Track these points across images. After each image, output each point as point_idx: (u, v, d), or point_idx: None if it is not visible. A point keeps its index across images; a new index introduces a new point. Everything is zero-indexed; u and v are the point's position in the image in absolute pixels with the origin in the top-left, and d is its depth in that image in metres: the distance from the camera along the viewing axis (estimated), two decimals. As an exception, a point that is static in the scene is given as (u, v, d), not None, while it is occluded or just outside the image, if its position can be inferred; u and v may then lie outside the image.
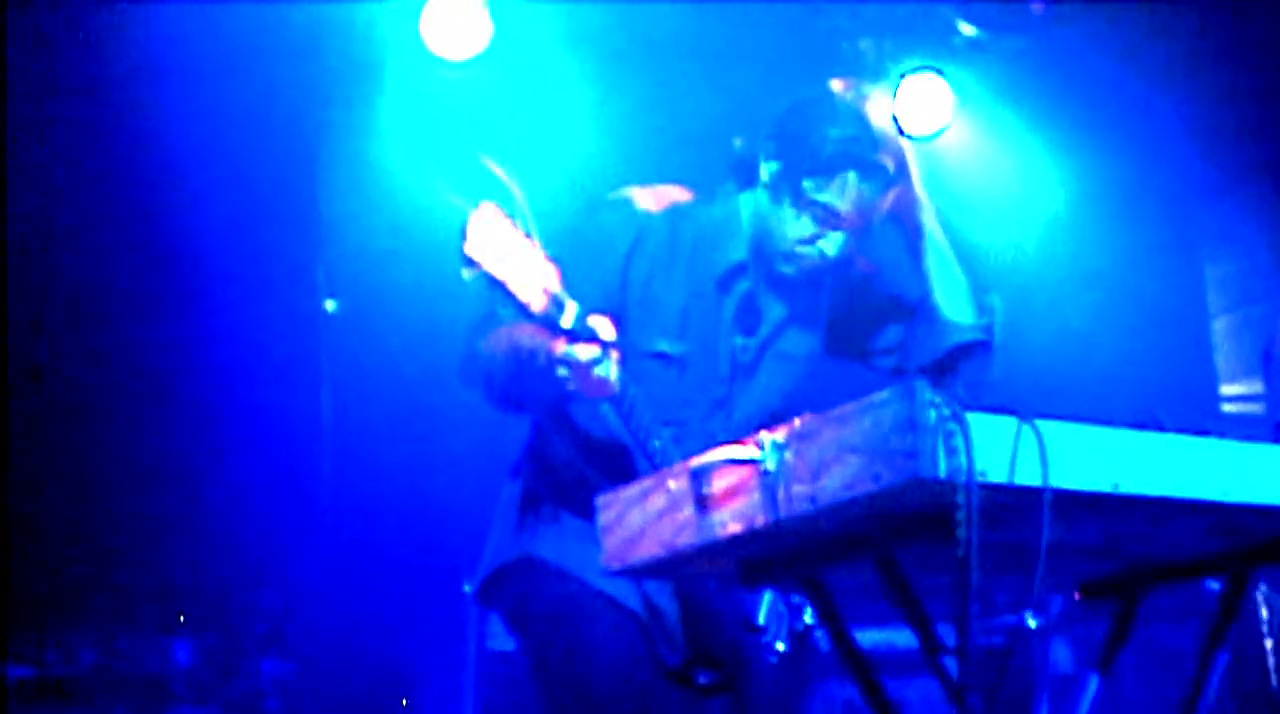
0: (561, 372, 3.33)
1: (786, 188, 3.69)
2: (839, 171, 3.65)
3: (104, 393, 5.97)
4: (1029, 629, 4.92)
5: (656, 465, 3.47)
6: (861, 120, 3.67)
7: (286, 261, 6.42)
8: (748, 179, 3.81)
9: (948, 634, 2.71)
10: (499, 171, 3.29)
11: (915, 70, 6.93)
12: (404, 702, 6.09)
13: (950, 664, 2.68)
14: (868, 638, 2.96)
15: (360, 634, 6.20)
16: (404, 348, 6.31)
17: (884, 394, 2.36)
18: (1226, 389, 7.57)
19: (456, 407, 5.23)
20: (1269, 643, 5.04)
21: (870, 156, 3.66)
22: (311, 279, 6.52)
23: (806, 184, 3.66)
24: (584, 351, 3.30)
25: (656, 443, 3.53)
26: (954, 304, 3.91)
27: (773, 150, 3.73)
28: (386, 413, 6.38)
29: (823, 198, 3.66)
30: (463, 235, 3.14)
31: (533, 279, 3.20)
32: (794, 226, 3.70)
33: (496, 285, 3.18)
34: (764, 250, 3.78)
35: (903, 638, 4.55)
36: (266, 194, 6.27)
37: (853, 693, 5.52)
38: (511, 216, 3.20)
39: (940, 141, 7.14)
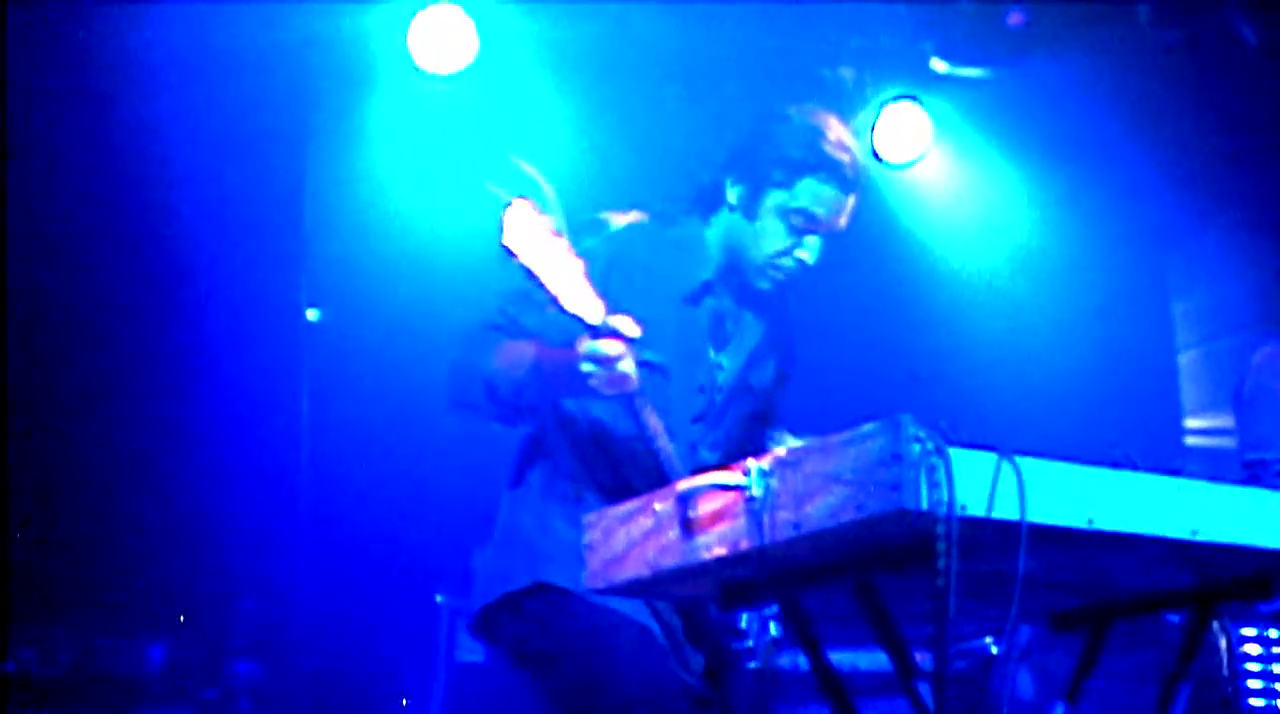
0: (586, 367, 3.40)
1: (755, 205, 3.83)
2: (801, 177, 3.80)
3: (84, 398, 5.98)
4: (994, 656, 4.98)
5: (662, 465, 3.55)
6: (814, 129, 3.82)
7: (270, 270, 6.44)
8: (711, 206, 3.93)
9: (919, 660, 2.79)
10: (531, 171, 3.39)
11: (894, 99, 7.03)
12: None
13: (923, 689, 2.76)
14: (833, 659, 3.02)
15: (335, 641, 6.21)
16: (384, 358, 6.35)
17: (870, 427, 2.43)
18: (1191, 422, 7.65)
19: (435, 418, 5.25)
20: (1226, 673, 5.10)
21: (828, 159, 3.79)
22: (294, 288, 6.55)
23: (774, 196, 3.81)
24: (610, 346, 3.38)
25: (662, 443, 3.59)
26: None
27: (736, 173, 3.87)
28: (365, 423, 6.41)
29: (794, 205, 3.80)
30: (501, 228, 3.28)
31: (564, 274, 3.34)
32: (769, 241, 3.84)
33: (532, 278, 3.32)
34: (738, 268, 3.90)
35: (865, 660, 4.62)
36: (252, 202, 6.29)
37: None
38: (544, 213, 3.32)
39: (916, 170, 7.24)
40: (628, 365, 3.42)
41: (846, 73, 6.98)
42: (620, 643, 3.57)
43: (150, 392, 6.12)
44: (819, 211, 3.82)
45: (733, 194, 3.87)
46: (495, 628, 3.79)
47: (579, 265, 3.37)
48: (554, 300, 3.34)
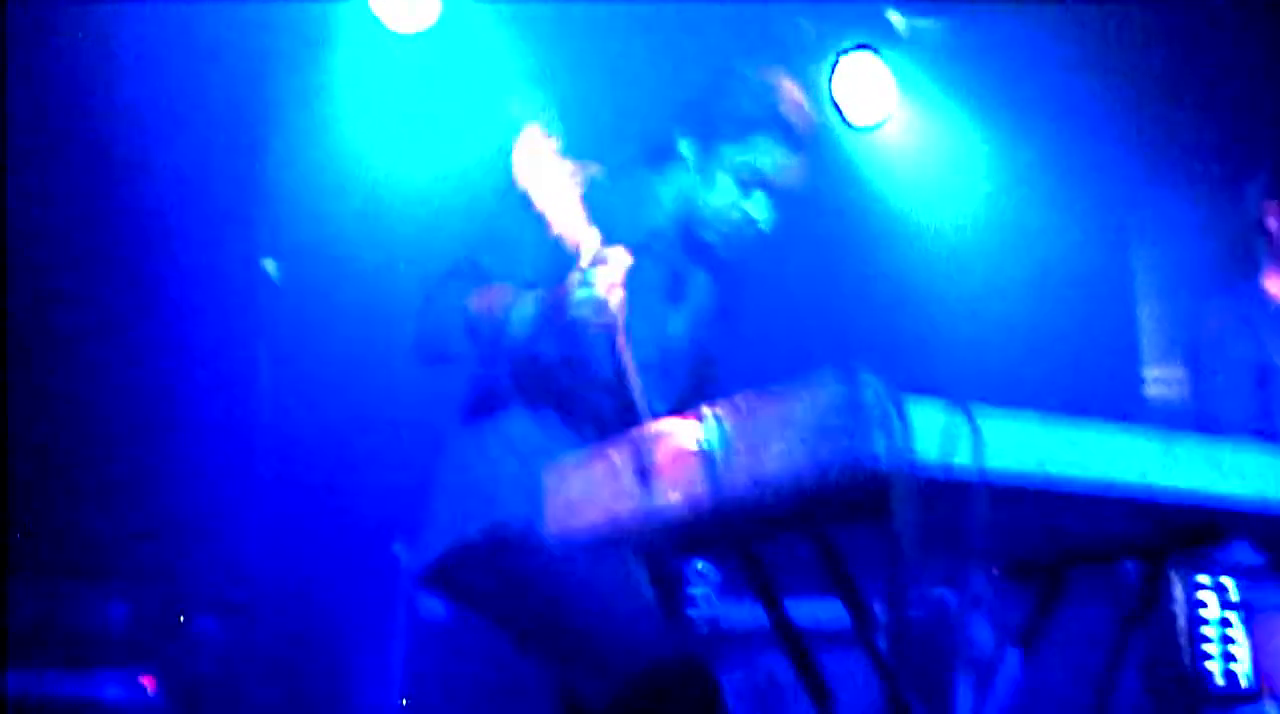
0: (582, 293, 3.38)
1: (705, 157, 3.86)
2: (752, 133, 3.82)
3: (42, 354, 5.95)
4: (949, 605, 5.01)
5: (634, 407, 3.52)
6: (769, 88, 3.85)
7: (230, 225, 6.42)
8: (664, 159, 3.94)
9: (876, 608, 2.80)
10: (534, 105, 3.41)
11: (851, 49, 7.01)
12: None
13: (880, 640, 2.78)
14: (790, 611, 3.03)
15: (297, 597, 6.21)
16: (344, 313, 6.34)
17: (825, 375, 2.43)
18: (1149, 372, 7.69)
19: (394, 371, 5.25)
20: (1182, 622, 5.14)
21: (781, 118, 3.81)
22: (254, 243, 6.53)
23: (726, 151, 3.83)
24: (606, 273, 3.38)
25: (635, 382, 3.57)
26: None
27: (689, 127, 3.90)
28: (324, 375, 6.40)
29: (744, 160, 3.82)
30: (511, 152, 3.35)
31: (566, 200, 3.39)
32: (718, 195, 3.86)
33: (538, 201, 3.38)
34: (689, 221, 3.91)
35: (824, 611, 4.64)
36: (213, 158, 6.27)
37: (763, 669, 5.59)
38: (551, 138, 3.38)
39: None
40: (616, 296, 3.41)
41: (806, 25, 6.97)
42: (579, 569, 3.49)
43: (110, 347, 6.10)
44: (769, 169, 3.84)
45: (685, 147, 3.88)
46: (450, 577, 3.71)
47: (578, 192, 3.38)
48: (556, 225, 3.37)
